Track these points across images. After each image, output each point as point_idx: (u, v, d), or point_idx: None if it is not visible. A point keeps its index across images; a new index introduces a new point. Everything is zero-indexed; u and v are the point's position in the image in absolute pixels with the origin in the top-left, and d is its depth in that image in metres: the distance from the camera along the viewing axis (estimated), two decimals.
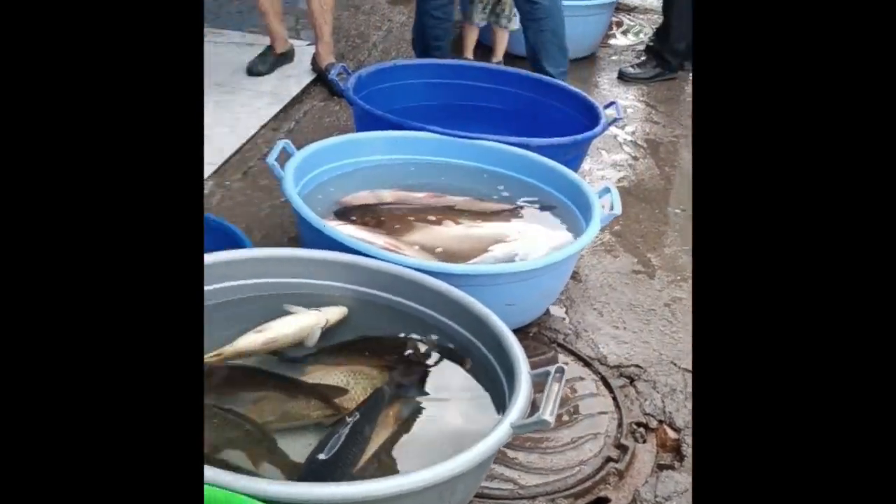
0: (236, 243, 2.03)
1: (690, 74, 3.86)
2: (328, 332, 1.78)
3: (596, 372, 2.08)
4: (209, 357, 1.68)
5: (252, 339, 1.71)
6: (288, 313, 1.78)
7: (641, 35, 4.51)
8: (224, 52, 3.69)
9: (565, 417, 1.92)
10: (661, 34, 3.91)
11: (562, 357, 2.11)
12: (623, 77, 3.89)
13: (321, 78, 3.40)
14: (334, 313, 1.80)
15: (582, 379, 2.05)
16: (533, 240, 2.18)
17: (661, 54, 3.86)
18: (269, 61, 3.46)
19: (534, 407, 1.45)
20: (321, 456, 1.44)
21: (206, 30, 3.89)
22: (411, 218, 2.21)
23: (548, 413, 1.39)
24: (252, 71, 3.42)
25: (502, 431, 1.39)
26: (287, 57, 3.53)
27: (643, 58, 3.97)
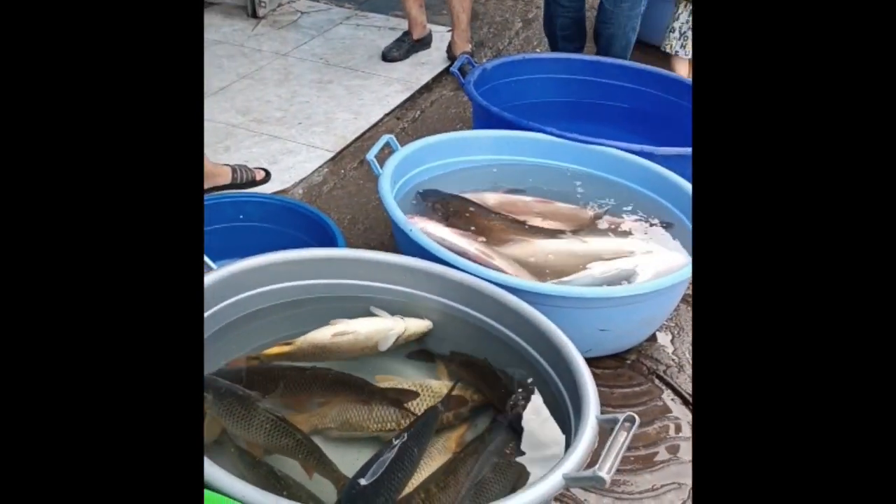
0: (329, 235, 2.01)
1: None
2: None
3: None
4: (281, 346, 1.67)
5: (323, 332, 1.69)
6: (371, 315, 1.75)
7: None
8: (364, 35, 3.70)
9: (653, 459, 1.76)
10: None
11: (660, 391, 1.93)
12: None
13: (452, 62, 3.32)
14: (416, 325, 1.73)
15: (677, 418, 1.86)
16: (642, 260, 2.00)
17: None
18: (405, 47, 3.43)
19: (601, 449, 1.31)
20: (362, 481, 1.38)
21: (350, 12, 3.93)
22: (511, 227, 2.09)
23: (605, 470, 1.25)
24: (387, 56, 3.40)
25: (553, 482, 1.27)
26: (424, 43, 3.48)
27: None
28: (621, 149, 2.26)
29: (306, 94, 3.14)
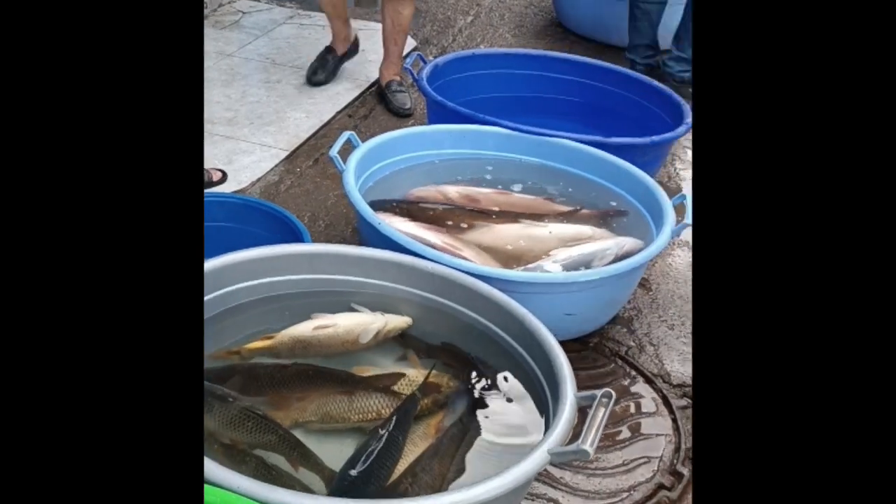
0: (294, 233, 2.02)
1: None
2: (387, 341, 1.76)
3: (658, 390, 1.97)
4: (262, 339, 1.69)
5: (304, 326, 1.72)
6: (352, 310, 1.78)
7: None
8: (309, 34, 3.69)
9: (621, 436, 1.83)
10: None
11: (623, 372, 2.01)
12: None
13: (379, 92, 3.18)
14: (396, 321, 1.76)
15: (641, 396, 1.95)
16: (599, 246, 2.07)
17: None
18: (330, 66, 3.17)
19: (580, 428, 1.37)
20: (352, 472, 1.41)
21: (293, 11, 3.92)
22: (473, 216, 2.15)
23: (588, 443, 1.31)
24: (312, 80, 3.13)
25: (538, 457, 1.32)
26: (350, 53, 3.24)
27: None
28: (575, 140, 2.34)
29: (255, 94, 3.13)
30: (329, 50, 3.21)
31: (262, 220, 2.14)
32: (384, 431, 1.48)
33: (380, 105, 3.15)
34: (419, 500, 1.26)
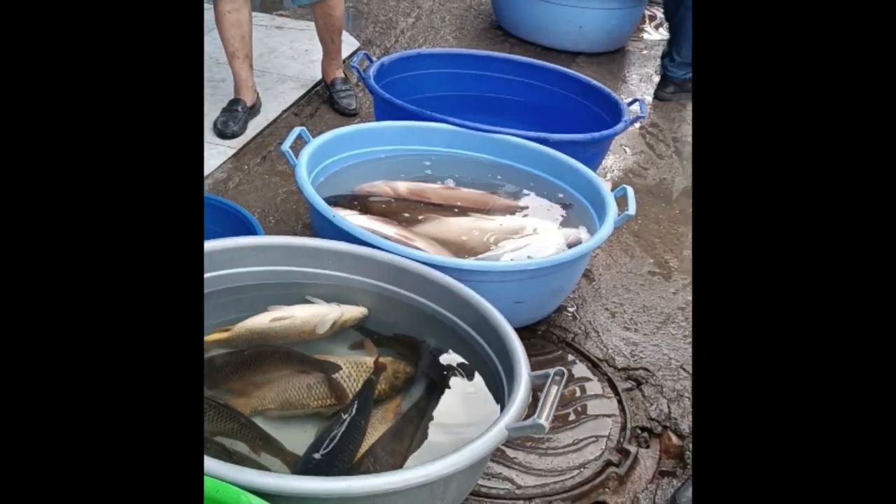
0: (248, 228, 2.04)
1: None
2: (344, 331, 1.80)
3: (603, 374, 2.06)
4: (220, 332, 1.71)
5: (261, 318, 1.75)
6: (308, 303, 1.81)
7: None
8: (255, 33, 3.68)
9: (569, 418, 1.91)
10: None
11: (569, 357, 2.09)
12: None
13: (328, 92, 3.15)
14: (352, 311, 1.81)
15: (588, 380, 2.03)
16: (545, 237, 2.16)
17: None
18: (242, 117, 2.84)
19: (533, 408, 1.43)
20: (316, 455, 1.45)
21: None
22: (424, 209, 2.20)
23: (543, 417, 1.38)
24: (226, 133, 2.78)
25: (496, 433, 1.38)
26: (256, 109, 2.95)
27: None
28: (520, 136, 2.42)
29: None
30: (236, 101, 2.86)
31: (214, 215, 2.14)
32: (346, 416, 1.52)
33: (325, 104, 3.18)
34: (385, 476, 1.30)
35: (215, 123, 2.82)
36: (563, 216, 2.29)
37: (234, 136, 2.81)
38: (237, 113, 2.84)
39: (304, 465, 1.45)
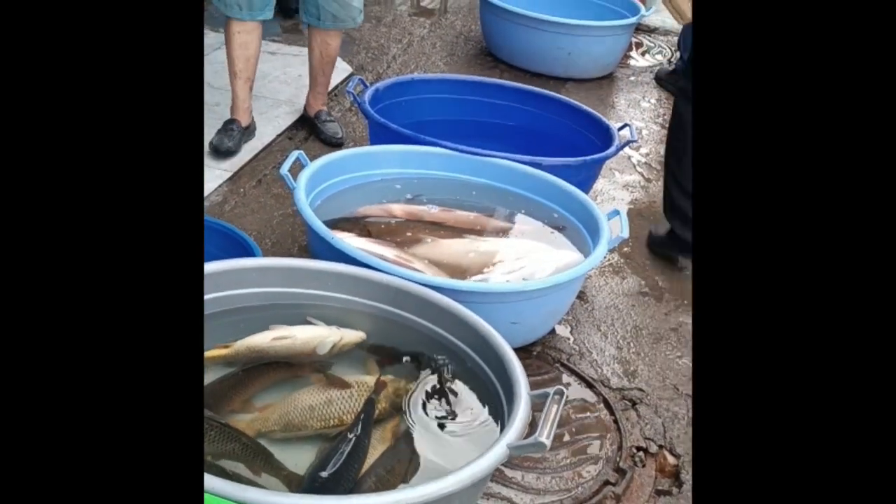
0: (246, 250, 2.06)
1: None
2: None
3: (598, 394, 2.08)
4: (219, 348, 1.72)
5: (262, 337, 1.77)
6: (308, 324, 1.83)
7: (659, 56, 4.52)
8: None
9: (565, 438, 1.93)
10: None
11: (565, 377, 2.12)
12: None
13: (309, 122, 3.16)
14: (351, 335, 1.82)
15: (584, 400, 2.05)
16: (540, 259, 2.19)
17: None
18: (237, 136, 2.88)
19: (534, 426, 1.45)
20: (323, 474, 1.46)
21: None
22: (420, 232, 2.23)
23: (545, 435, 1.40)
24: (220, 149, 2.82)
25: (498, 452, 1.40)
26: (250, 131, 2.98)
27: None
28: (513, 160, 2.46)
29: None
30: (231, 121, 2.90)
31: (212, 237, 2.16)
32: (352, 435, 1.53)
33: (310, 135, 3.19)
34: (389, 495, 1.32)
35: (211, 142, 2.86)
36: (556, 239, 2.33)
37: (228, 152, 2.84)
38: (232, 132, 2.88)
39: (309, 484, 1.46)
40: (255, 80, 3.00)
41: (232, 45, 2.82)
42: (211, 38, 3.91)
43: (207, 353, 1.70)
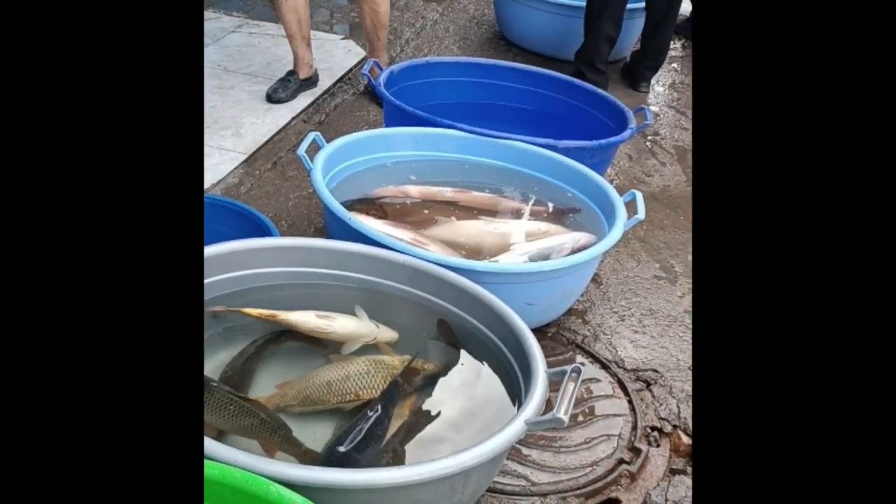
0: (262, 231, 2.08)
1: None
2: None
3: (613, 375, 2.09)
4: (262, 312, 1.77)
5: (307, 318, 1.78)
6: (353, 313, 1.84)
7: (674, 41, 4.50)
8: (259, 42, 3.74)
9: (580, 418, 1.94)
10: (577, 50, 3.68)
11: (579, 358, 2.13)
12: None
13: (369, 89, 3.27)
14: (386, 335, 1.82)
15: (598, 381, 2.07)
16: (555, 240, 2.19)
17: (580, 71, 3.58)
18: (292, 87, 3.21)
19: (549, 405, 1.47)
20: (341, 448, 1.47)
21: (242, 20, 3.96)
22: (436, 213, 2.24)
23: (562, 412, 1.41)
24: (272, 97, 3.16)
25: (516, 427, 1.41)
26: (311, 82, 3.30)
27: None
28: (529, 143, 2.46)
29: (210, 100, 3.16)
30: (292, 73, 3.25)
31: (227, 217, 2.18)
32: (373, 414, 1.54)
33: (326, 118, 3.21)
34: (410, 468, 1.34)
35: (267, 90, 3.19)
36: (572, 220, 2.33)
37: (279, 101, 3.15)
38: (289, 83, 3.21)
39: (326, 459, 1.48)
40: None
41: (283, 10, 3.11)
42: (224, 22, 3.92)
43: (249, 310, 1.75)
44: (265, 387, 1.71)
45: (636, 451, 1.85)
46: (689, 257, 2.65)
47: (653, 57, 3.77)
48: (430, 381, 1.74)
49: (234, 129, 2.97)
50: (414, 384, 1.72)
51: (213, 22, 3.91)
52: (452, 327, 1.82)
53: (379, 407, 1.56)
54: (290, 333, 1.80)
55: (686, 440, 1.92)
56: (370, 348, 1.81)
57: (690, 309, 2.39)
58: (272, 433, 1.57)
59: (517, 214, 2.33)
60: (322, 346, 1.80)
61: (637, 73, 3.81)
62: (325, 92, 3.35)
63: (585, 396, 2.00)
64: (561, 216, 2.34)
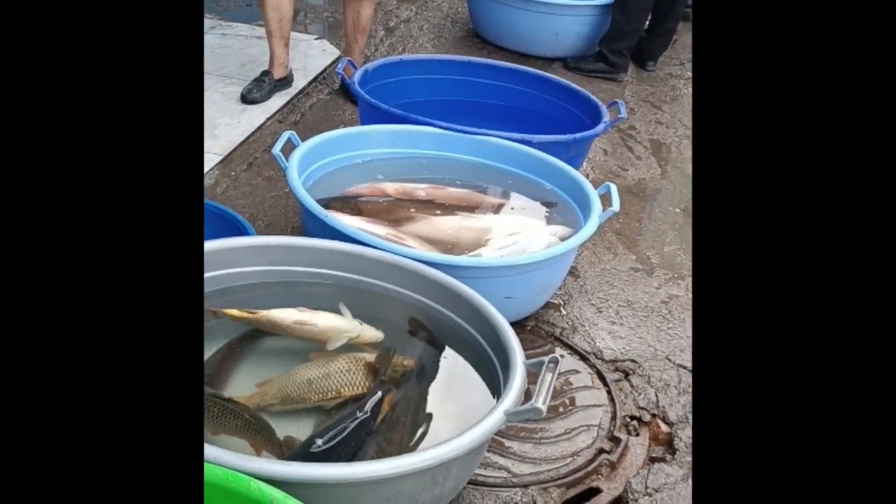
0: (239, 231, 2.07)
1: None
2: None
3: (591, 366, 2.11)
4: (245, 311, 1.75)
5: (286, 314, 1.77)
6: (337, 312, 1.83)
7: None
8: (232, 44, 3.72)
9: (560, 409, 1.96)
10: (605, 36, 3.93)
11: (558, 350, 2.14)
12: (566, 66, 3.95)
13: (343, 87, 3.30)
14: (370, 333, 1.81)
15: (577, 372, 2.08)
16: (532, 234, 2.21)
17: (604, 55, 3.89)
18: (267, 87, 3.19)
19: (528, 396, 1.48)
20: (319, 442, 1.47)
21: (215, 22, 3.94)
22: (413, 209, 2.25)
23: (540, 401, 1.42)
24: (247, 98, 3.13)
25: (496, 418, 1.42)
26: (286, 82, 3.28)
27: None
28: (504, 138, 2.47)
29: None
30: (266, 73, 3.23)
31: (206, 219, 2.17)
32: (361, 415, 1.54)
33: (302, 117, 3.20)
34: (390, 461, 1.34)
35: (242, 91, 3.18)
36: (548, 214, 2.35)
37: (254, 102, 3.13)
38: (264, 83, 3.19)
39: (301, 451, 1.47)
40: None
41: (264, 9, 3.10)
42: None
43: (232, 311, 1.74)
44: (245, 386, 1.71)
45: (616, 441, 1.87)
46: (665, 249, 2.68)
47: (664, 34, 4.03)
48: (409, 377, 1.74)
49: (210, 131, 2.96)
50: (394, 380, 1.72)
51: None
52: (425, 322, 1.83)
53: (368, 410, 1.55)
54: (267, 333, 1.79)
55: (665, 428, 1.94)
56: (352, 347, 1.82)
57: (667, 300, 2.41)
58: (256, 433, 1.57)
59: (494, 209, 2.34)
60: (304, 343, 1.79)
61: (647, 51, 4.02)
62: (301, 92, 3.34)
63: (565, 388, 2.02)
64: (537, 210, 2.35)
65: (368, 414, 1.56)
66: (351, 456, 1.51)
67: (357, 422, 1.53)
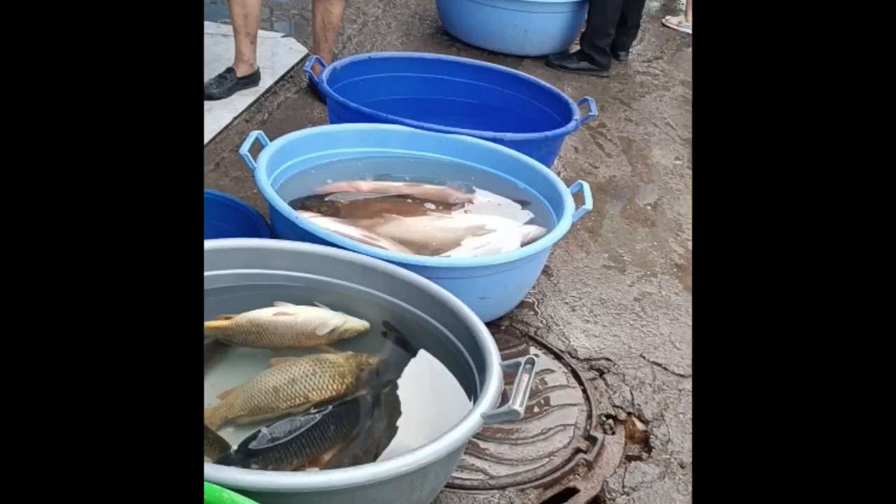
0: (254, 224, 2.05)
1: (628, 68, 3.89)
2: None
3: (566, 365, 2.10)
4: (221, 318, 1.72)
5: (265, 311, 1.75)
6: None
7: None
8: None
9: (536, 409, 1.95)
10: (584, 35, 4.04)
11: (533, 350, 2.13)
12: (549, 63, 4.01)
13: (311, 86, 3.28)
14: (354, 323, 1.79)
15: (552, 371, 2.07)
16: (505, 234, 2.19)
17: (586, 53, 3.99)
18: (227, 84, 3.13)
19: (504, 398, 1.46)
20: (267, 433, 1.47)
21: None
22: (387, 208, 2.22)
23: (517, 403, 1.41)
24: (205, 93, 3.05)
25: (472, 421, 1.41)
26: (251, 80, 3.22)
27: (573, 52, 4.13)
28: (475, 136, 2.45)
29: None
30: (230, 70, 3.16)
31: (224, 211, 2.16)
32: (319, 415, 1.52)
33: (269, 117, 3.16)
34: (366, 468, 1.31)
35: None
36: (520, 213, 2.33)
37: (211, 98, 3.07)
38: (225, 80, 3.13)
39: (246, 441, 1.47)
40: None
41: (231, 3, 3.05)
42: None
43: (208, 323, 1.69)
44: (206, 398, 1.66)
45: (592, 440, 1.86)
46: (637, 246, 2.69)
47: (633, 26, 4.18)
48: (376, 375, 1.72)
49: None
50: (361, 379, 1.70)
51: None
52: (395, 324, 1.81)
53: (327, 410, 1.53)
54: (225, 342, 1.75)
55: (641, 426, 1.94)
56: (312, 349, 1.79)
57: (640, 297, 2.41)
58: (209, 445, 1.53)
59: (467, 209, 2.32)
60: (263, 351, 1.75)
61: (619, 43, 4.13)
62: (268, 91, 3.30)
63: (540, 388, 2.01)
64: (509, 209, 2.34)
65: (327, 416, 1.54)
66: (300, 454, 1.50)
67: (313, 421, 1.52)
